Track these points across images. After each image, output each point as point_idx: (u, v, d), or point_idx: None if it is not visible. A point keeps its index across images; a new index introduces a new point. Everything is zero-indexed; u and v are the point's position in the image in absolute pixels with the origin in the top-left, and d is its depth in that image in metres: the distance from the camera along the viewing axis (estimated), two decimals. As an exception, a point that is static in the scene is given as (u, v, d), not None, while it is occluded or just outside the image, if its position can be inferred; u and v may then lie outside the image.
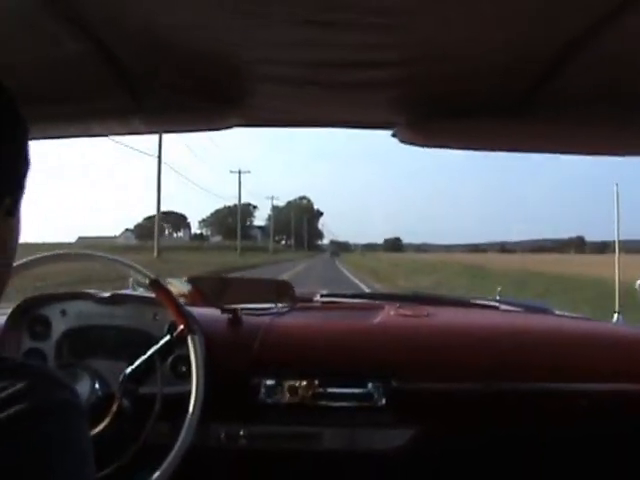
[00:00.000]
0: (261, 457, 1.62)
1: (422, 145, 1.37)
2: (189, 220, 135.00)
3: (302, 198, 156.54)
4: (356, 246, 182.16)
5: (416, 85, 1.17)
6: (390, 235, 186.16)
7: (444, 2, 0.82)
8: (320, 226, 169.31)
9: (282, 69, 1.10)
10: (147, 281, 1.50)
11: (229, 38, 0.98)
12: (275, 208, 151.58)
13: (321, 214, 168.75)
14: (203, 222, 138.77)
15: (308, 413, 1.61)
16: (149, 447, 1.44)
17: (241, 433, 1.56)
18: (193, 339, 1.47)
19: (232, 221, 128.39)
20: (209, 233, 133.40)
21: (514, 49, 0.98)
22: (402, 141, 1.34)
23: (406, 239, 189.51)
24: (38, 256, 1.55)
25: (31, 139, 0.61)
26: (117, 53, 1.03)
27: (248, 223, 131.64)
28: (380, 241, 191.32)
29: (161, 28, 0.94)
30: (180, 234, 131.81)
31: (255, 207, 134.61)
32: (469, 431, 1.65)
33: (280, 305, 1.79)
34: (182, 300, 1.76)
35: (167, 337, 1.50)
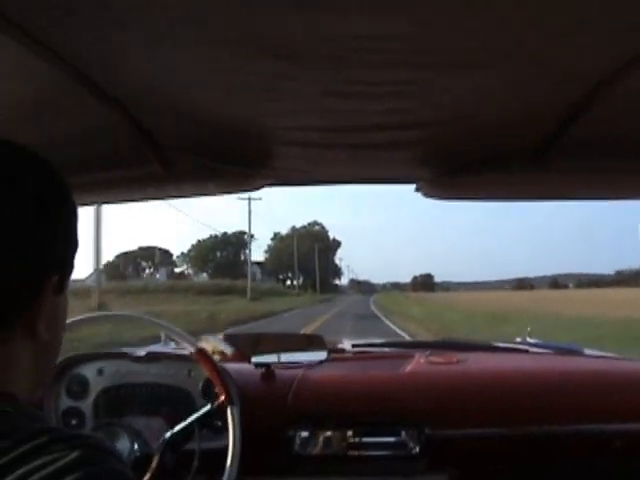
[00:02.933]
0: None
1: (445, 199, 1.60)
2: (175, 257, 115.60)
3: (314, 224, 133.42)
4: (384, 286, 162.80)
5: (436, 144, 1.38)
6: (415, 273, 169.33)
7: (458, 70, 0.99)
8: (337, 261, 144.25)
9: (308, 134, 1.31)
10: (193, 349, 1.73)
11: (256, 108, 1.18)
12: (277, 237, 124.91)
13: (338, 245, 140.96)
14: (183, 257, 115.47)
15: (343, 463, 1.83)
16: None
17: None
18: (232, 410, 1.69)
19: (221, 255, 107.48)
20: (190, 271, 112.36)
21: (530, 105, 1.16)
22: (425, 195, 1.57)
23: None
24: (85, 316, 1.78)
25: None
26: (148, 124, 1.22)
27: (243, 257, 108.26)
28: (403, 280, 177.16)
29: (190, 100, 1.14)
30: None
31: (252, 236, 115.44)
32: (504, 476, 1.84)
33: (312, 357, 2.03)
34: (217, 357, 2.02)
35: (207, 407, 1.72)
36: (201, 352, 1.75)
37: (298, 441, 1.82)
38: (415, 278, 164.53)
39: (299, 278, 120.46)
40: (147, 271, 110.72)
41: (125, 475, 0.60)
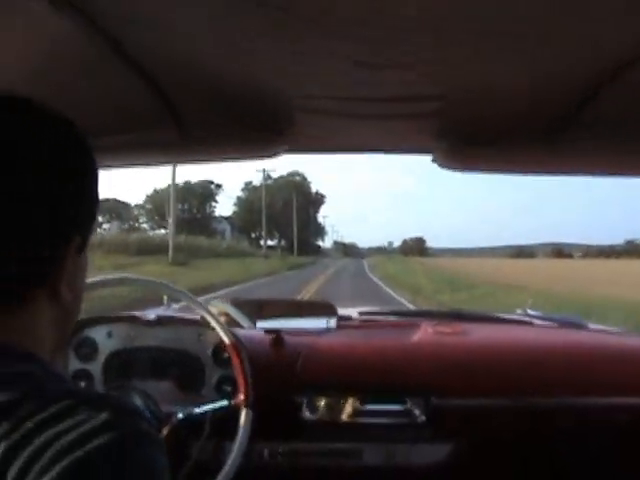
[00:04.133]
0: (303, 474, 1.96)
1: (460, 170, 1.69)
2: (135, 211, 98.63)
3: (294, 174, 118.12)
4: (379, 249, 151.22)
5: (454, 115, 1.47)
6: (405, 236, 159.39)
7: (480, 41, 1.05)
8: (321, 219, 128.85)
9: (328, 103, 1.39)
10: (228, 341, 1.84)
11: (277, 74, 1.25)
12: (248, 187, 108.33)
13: (322, 199, 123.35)
14: (138, 209, 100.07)
15: (349, 430, 1.97)
16: (199, 467, 1.76)
17: (284, 450, 1.92)
18: (247, 413, 1.79)
19: (183, 208, 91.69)
20: (145, 226, 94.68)
21: (550, 78, 1.23)
22: (441, 166, 1.67)
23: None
24: (102, 278, 1.86)
25: None
26: (166, 88, 1.28)
27: (208, 211, 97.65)
28: (387, 244, 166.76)
29: (209, 63, 1.19)
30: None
31: (219, 186, 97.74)
32: (508, 445, 1.98)
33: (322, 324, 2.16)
34: (224, 320, 2.10)
35: (224, 402, 1.82)
36: (236, 346, 1.85)
37: (306, 407, 1.96)
38: (405, 242, 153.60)
39: (268, 236, 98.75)
40: (104, 226, 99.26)
41: (151, 436, 0.64)
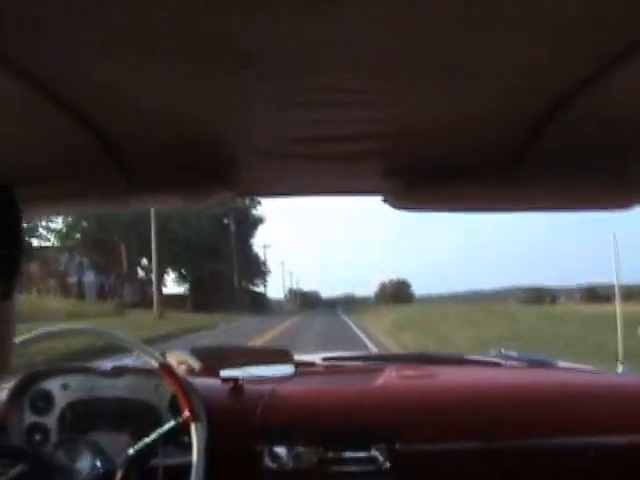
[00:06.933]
0: None
1: (413, 209, 1.90)
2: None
3: None
4: (334, 300, 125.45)
5: (403, 155, 1.66)
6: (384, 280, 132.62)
7: (425, 78, 1.20)
8: (258, 249, 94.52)
9: (272, 145, 1.55)
10: (156, 364, 2.02)
11: (220, 117, 1.39)
12: None
13: (259, 218, 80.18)
14: None
15: (313, 478, 2.16)
16: None
17: None
18: (197, 426, 1.97)
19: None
20: None
21: (494, 114, 1.39)
22: (393, 207, 1.86)
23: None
24: (40, 332, 2.08)
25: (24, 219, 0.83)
26: (108, 132, 1.43)
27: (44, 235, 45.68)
28: (362, 293, 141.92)
29: (152, 107, 1.33)
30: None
31: None
32: None
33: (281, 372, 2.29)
34: (183, 368, 2.29)
35: (172, 423, 2.01)
36: (165, 366, 2.03)
37: (267, 456, 2.17)
38: (384, 286, 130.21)
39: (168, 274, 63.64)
40: None
41: None
